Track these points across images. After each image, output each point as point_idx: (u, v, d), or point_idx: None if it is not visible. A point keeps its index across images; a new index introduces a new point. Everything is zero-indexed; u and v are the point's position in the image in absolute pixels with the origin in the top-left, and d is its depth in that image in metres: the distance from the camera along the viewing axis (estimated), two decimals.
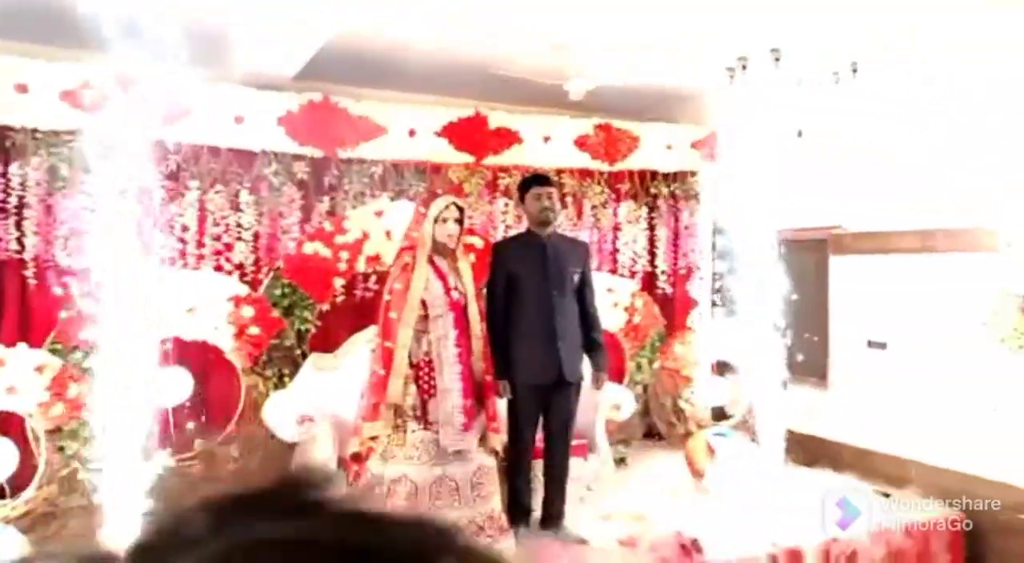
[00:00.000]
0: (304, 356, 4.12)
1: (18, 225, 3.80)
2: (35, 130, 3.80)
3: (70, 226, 3.81)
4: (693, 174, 5.43)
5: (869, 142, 4.43)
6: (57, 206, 3.84)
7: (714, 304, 5.46)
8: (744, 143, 4.92)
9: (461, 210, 3.43)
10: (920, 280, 4.47)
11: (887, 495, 4.27)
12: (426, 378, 3.30)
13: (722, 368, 5.34)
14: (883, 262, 4.69)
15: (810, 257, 5.14)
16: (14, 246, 3.78)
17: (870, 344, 4.79)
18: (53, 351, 3.56)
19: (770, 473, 4.21)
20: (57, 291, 3.77)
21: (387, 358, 3.24)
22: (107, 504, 3.04)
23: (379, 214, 4.33)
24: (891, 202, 4.53)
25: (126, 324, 3.12)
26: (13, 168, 3.78)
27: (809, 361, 5.06)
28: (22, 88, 3.73)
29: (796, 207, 5.07)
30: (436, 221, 3.36)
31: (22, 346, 3.50)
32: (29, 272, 3.81)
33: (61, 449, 3.41)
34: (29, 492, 3.36)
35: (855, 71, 3.27)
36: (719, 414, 5.30)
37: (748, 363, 4.77)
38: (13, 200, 3.79)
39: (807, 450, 4.86)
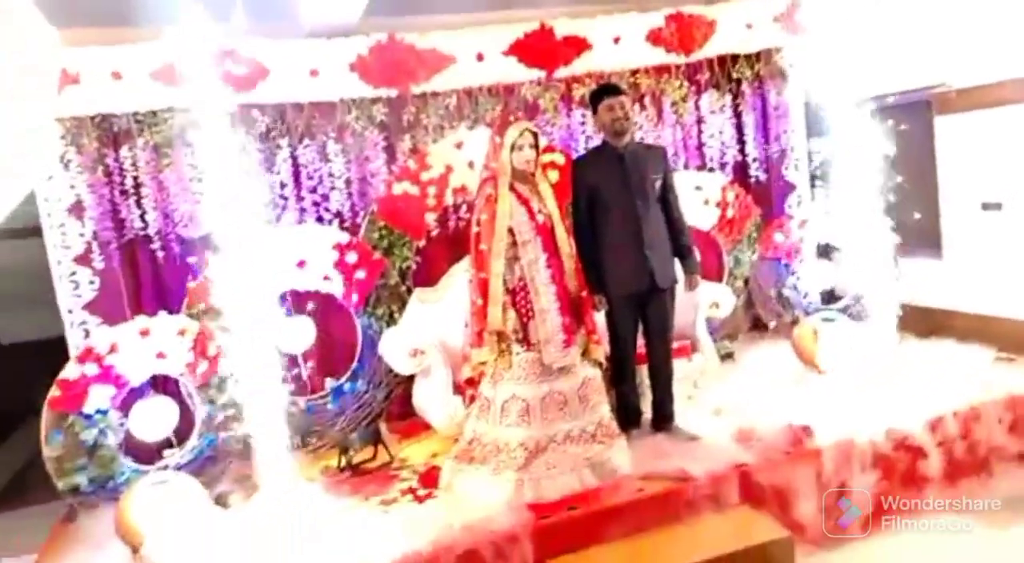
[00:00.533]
0: (409, 292, 4.35)
1: (138, 204, 4.14)
2: (135, 113, 4.07)
3: (182, 198, 4.13)
4: (778, 51, 5.15)
5: None
6: (167, 181, 4.14)
7: (814, 185, 5.28)
8: (830, 7, 4.62)
9: (535, 135, 3.46)
10: None
11: (1012, 359, 4.15)
12: (523, 302, 3.42)
13: (828, 250, 5.21)
14: (992, 117, 4.37)
15: (914, 120, 4.83)
16: (139, 224, 4.14)
17: (985, 207, 4.53)
18: (190, 315, 3.93)
19: (883, 351, 4.16)
20: (182, 260, 4.13)
21: (483, 288, 3.38)
22: (257, 444, 3.42)
23: (459, 145, 4.41)
24: (993, 50, 4.17)
25: (246, 283, 3.40)
26: (123, 152, 4.09)
27: (921, 231, 4.85)
28: (117, 75, 3.98)
29: (893, 70, 4.76)
30: (512, 149, 3.40)
31: (162, 314, 3.89)
32: (156, 246, 4.17)
33: (212, 401, 3.82)
34: (192, 441, 3.81)
35: None
36: (828, 298, 5.21)
37: (854, 242, 4.63)
38: (129, 182, 4.12)
39: (925, 322, 4.74)
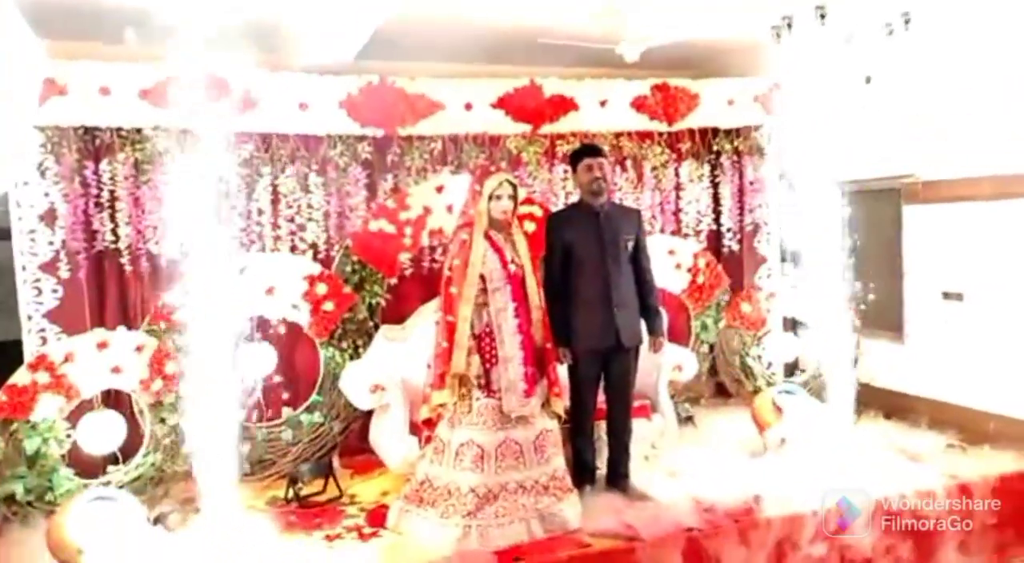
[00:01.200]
0: (376, 328, 4.35)
1: (112, 217, 4.14)
2: (119, 129, 4.10)
3: (157, 216, 4.12)
4: (757, 128, 5.34)
5: (938, 87, 4.25)
6: (144, 198, 4.15)
7: (783, 260, 5.40)
8: (809, 93, 4.80)
9: (514, 186, 3.52)
10: (996, 228, 4.30)
11: (963, 448, 4.21)
12: (488, 348, 3.43)
13: (793, 324, 5.31)
14: (958, 210, 4.53)
15: (882, 207, 5.00)
16: (110, 237, 4.13)
17: (946, 296, 4.66)
18: (150, 332, 3.89)
19: (838, 429, 4.20)
20: (150, 277, 4.11)
21: (450, 331, 3.40)
22: (203, 468, 3.35)
23: (439, 189, 4.47)
24: (964, 148, 4.35)
25: (212, 305, 3.38)
26: (103, 165, 4.11)
27: (884, 314, 4.97)
28: (105, 90, 4.02)
29: (866, 157, 4.93)
30: (491, 198, 3.46)
31: (122, 329, 3.85)
32: (124, 260, 4.15)
33: (163, 420, 3.75)
34: (138, 459, 3.72)
35: (907, 22, 3.15)
36: (791, 371, 5.29)
37: (819, 318, 4.72)
38: (105, 195, 4.12)
39: (882, 404, 4.81)
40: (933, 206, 4.69)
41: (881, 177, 4.92)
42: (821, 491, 3.52)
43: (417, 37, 4.39)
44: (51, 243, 4.00)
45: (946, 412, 4.53)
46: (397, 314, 4.44)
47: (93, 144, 4.10)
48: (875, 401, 4.78)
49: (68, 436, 3.61)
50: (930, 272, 4.75)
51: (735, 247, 5.38)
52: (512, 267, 3.50)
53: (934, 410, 4.58)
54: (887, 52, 4.08)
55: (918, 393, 4.79)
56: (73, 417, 3.65)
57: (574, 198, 4.47)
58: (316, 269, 4.29)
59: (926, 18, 3.31)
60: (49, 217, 3.99)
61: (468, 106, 4.68)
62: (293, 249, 4.41)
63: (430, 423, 3.53)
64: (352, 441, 4.35)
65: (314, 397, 4.24)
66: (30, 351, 3.87)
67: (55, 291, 4.00)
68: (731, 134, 5.32)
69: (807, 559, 3.38)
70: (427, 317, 4.11)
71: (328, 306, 4.24)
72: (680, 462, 4.04)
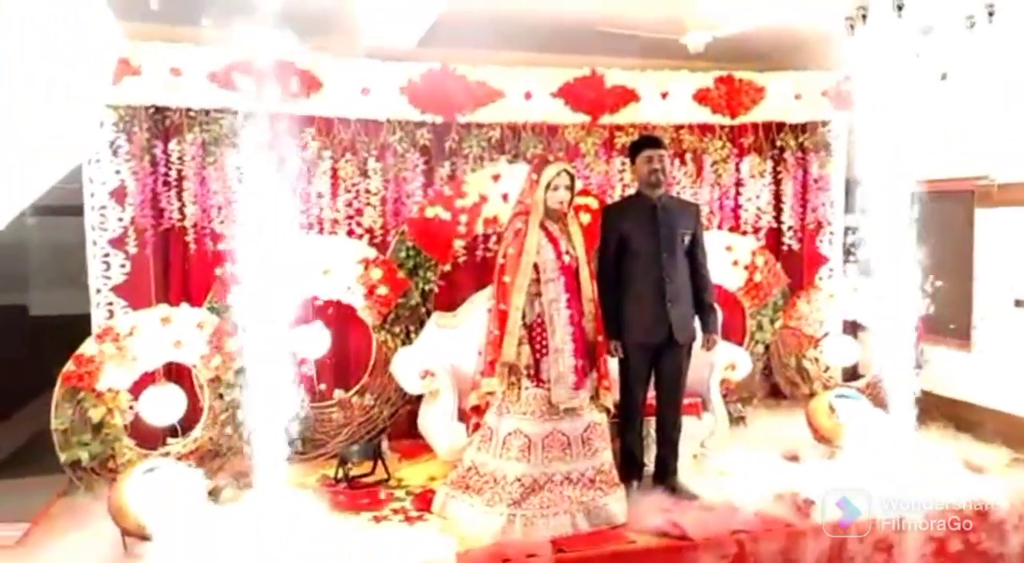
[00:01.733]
0: (429, 314, 4.38)
1: (179, 196, 4.25)
2: (188, 110, 4.20)
3: (222, 196, 4.23)
4: (824, 124, 5.19)
5: (1015, 85, 4.06)
6: (210, 178, 4.25)
7: (846, 261, 5.25)
8: (881, 89, 4.64)
9: (572, 176, 3.50)
10: None
11: None
12: (539, 338, 3.42)
13: (854, 327, 5.15)
14: None
15: (954, 210, 4.80)
16: (176, 216, 4.25)
17: (1018, 303, 4.46)
18: (211, 309, 3.99)
19: (897, 436, 4.07)
20: (213, 255, 4.21)
21: (502, 320, 3.39)
22: (257, 444, 3.43)
23: (496, 178, 4.47)
24: None
25: (270, 285, 3.45)
26: (172, 145, 4.22)
27: (952, 321, 4.79)
28: (176, 71, 4.13)
29: (939, 157, 4.75)
30: (547, 188, 3.44)
31: (184, 305, 3.96)
32: (190, 238, 4.26)
33: (221, 396, 3.85)
34: (196, 432, 3.84)
35: (991, 15, 3.00)
36: (851, 375, 5.14)
37: (881, 323, 4.58)
38: (173, 174, 4.23)
39: (946, 413, 4.64)
40: (1008, 209, 4.49)
41: (954, 178, 4.73)
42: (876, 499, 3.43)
43: (479, 25, 4.38)
44: (120, 219, 4.13)
45: (1014, 425, 4.35)
46: (449, 301, 4.47)
47: (163, 124, 4.22)
48: (939, 410, 4.61)
49: (131, 407, 3.73)
50: (1002, 278, 4.55)
51: (795, 246, 5.25)
52: (566, 258, 3.48)
53: (1001, 422, 4.40)
54: (964, 47, 3.92)
55: (985, 403, 4.61)
56: (137, 390, 3.78)
57: (631, 191, 4.41)
58: (371, 253, 4.34)
59: (1009, 10, 3.15)
60: (119, 194, 4.12)
61: (528, 95, 4.65)
62: (350, 233, 4.47)
63: (478, 410, 3.54)
64: (402, 425, 4.40)
65: (365, 380, 4.29)
66: (97, 324, 4.01)
67: (123, 266, 4.13)
68: (796, 129, 5.18)
69: None
70: (479, 305, 4.12)
71: (382, 290, 4.29)
72: (730, 462, 3.98)
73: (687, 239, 3.63)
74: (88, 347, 3.66)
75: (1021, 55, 4.08)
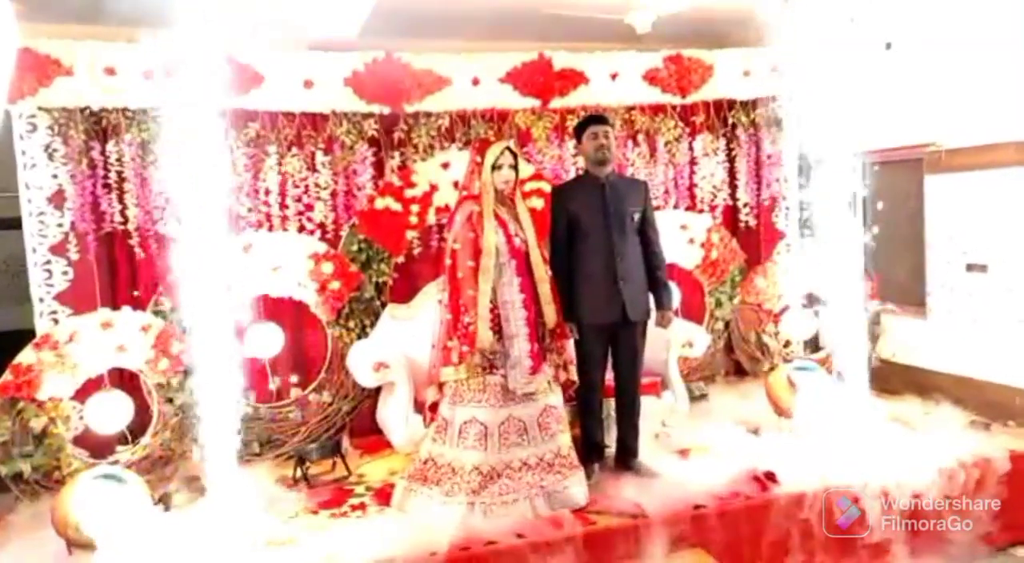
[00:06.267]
0: (384, 307, 4.32)
1: (120, 198, 4.14)
2: (125, 109, 4.09)
3: (164, 197, 4.12)
4: (774, 99, 5.18)
5: (959, 51, 4.09)
6: (151, 179, 4.14)
7: (802, 235, 5.26)
8: (825, 61, 4.65)
9: (515, 155, 3.44)
10: (1023, 196, 4.14)
11: (986, 425, 4.08)
12: (494, 324, 3.37)
13: (812, 300, 5.17)
14: (981, 179, 4.36)
15: (903, 178, 4.84)
16: (118, 218, 4.14)
17: (969, 268, 4.50)
18: (156, 312, 3.90)
19: (855, 405, 4.08)
20: (158, 257, 4.11)
21: (473, 306, 3.27)
22: (209, 447, 3.35)
23: (445, 166, 4.42)
24: (987, 113, 4.18)
25: (217, 285, 3.36)
26: (109, 146, 4.10)
27: (905, 288, 4.82)
28: (110, 71, 4.02)
29: (886, 126, 4.78)
30: (493, 168, 3.38)
31: (126, 309, 3.85)
32: (134, 241, 4.16)
33: (170, 400, 3.76)
34: (146, 438, 3.74)
35: None
36: (813, 348, 5.16)
37: (837, 294, 4.59)
38: (113, 176, 4.12)
39: (904, 380, 4.68)
40: (956, 175, 4.53)
41: (902, 147, 4.76)
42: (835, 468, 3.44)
43: (422, 12, 4.31)
44: (60, 225, 4.01)
45: (970, 388, 4.39)
46: (405, 293, 4.42)
47: (100, 125, 4.10)
48: (897, 377, 4.64)
49: (80, 417, 3.63)
50: (954, 244, 4.59)
51: (752, 222, 5.26)
52: (517, 241, 3.42)
53: (957, 386, 4.44)
54: (906, 16, 3.93)
55: (942, 369, 4.65)
56: (83, 397, 3.67)
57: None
58: (322, 248, 4.26)
59: None
60: (58, 199, 4.00)
61: (476, 81, 4.60)
62: (301, 229, 4.38)
63: (436, 408, 3.48)
64: (364, 421, 4.34)
65: (322, 377, 4.22)
66: (41, 333, 3.90)
67: (65, 273, 4.01)
68: (747, 106, 5.18)
69: (817, 537, 3.30)
70: (432, 296, 4.06)
71: (335, 285, 4.22)
72: (691, 439, 3.97)
73: (636, 217, 3.60)
74: (26, 356, 3.55)
75: (959, 22, 4.12)
